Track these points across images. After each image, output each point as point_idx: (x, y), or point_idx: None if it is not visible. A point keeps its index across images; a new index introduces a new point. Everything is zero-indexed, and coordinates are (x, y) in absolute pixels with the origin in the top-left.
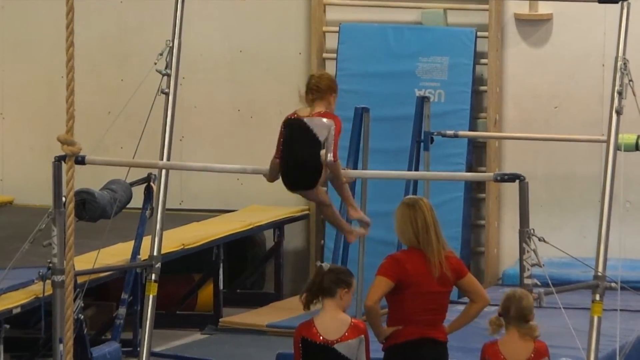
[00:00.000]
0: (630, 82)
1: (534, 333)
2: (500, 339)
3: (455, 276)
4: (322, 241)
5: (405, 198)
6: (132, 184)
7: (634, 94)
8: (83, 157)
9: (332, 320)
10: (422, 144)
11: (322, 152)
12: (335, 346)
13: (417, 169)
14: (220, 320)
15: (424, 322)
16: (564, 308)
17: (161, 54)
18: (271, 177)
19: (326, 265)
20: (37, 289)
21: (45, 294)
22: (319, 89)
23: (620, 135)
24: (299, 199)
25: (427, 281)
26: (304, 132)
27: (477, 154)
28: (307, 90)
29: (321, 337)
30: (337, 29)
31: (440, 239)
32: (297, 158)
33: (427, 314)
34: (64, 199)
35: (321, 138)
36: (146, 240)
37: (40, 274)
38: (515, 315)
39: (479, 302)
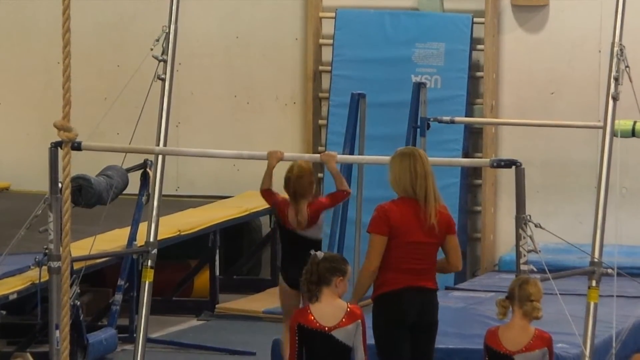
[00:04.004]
0: (627, 68)
1: (533, 312)
2: (502, 325)
3: (445, 230)
4: None
5: (399, 149)
6: (129, 170)
7: (631, 80)
8: (79, 143)
9: (328, 307)
10: (418, 129)
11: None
12: (333, 332)
13: None
14: (216, 306)
15: (408, 270)
16: (560, 294)
17: (157, 40)
18: None
19: (320, 254)
20: (33, 275)
21: (42, 280)
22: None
23: (616, 122)
24: None
25: (412, 231)
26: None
27: (473, 140)
28: None
29: (318, 324)
30: (333, 14)
31: (436, 190)
32: None
33: (410, 263)
34: (60, 185)
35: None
36: (142, 227)
37: (37, 260)
38: (519, 294)
39: (451, 265)
